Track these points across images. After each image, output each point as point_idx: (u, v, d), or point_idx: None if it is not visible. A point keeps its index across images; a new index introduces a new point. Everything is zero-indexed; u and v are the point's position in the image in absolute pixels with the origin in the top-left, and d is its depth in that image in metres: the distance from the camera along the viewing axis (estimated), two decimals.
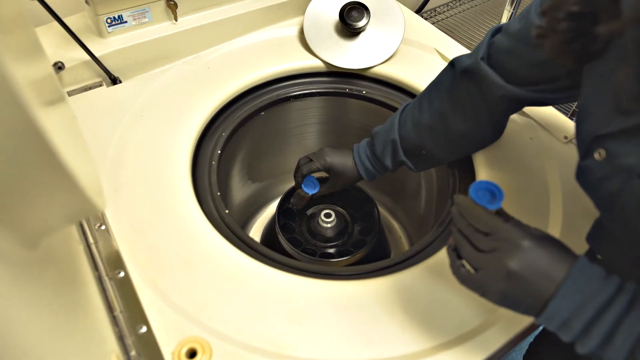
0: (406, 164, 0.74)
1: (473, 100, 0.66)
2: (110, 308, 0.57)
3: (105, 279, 0.60)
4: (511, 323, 0.60)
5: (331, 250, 0.93)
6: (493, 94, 0.63)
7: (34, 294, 0.35)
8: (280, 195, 1.17)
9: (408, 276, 0.64)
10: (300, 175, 0.81)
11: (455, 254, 0.51)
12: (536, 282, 0.44)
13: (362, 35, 0.97)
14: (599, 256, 0.54)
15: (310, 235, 0.94)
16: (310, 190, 0.84)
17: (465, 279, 0.49)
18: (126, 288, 0.60)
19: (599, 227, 0.54)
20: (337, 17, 0.95)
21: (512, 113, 0.69)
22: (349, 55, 0.95)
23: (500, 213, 0.50)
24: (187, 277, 0.63)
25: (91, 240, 0.64)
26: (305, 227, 0.95)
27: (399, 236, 1.12)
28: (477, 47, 0.65)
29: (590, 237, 0.55)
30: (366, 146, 0.78)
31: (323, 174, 0.82)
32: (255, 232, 1.12)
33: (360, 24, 0.94)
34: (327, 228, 0.93)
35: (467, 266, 0.50)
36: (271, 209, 1.17)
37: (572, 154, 0.79)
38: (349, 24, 0.94)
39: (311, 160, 0.80)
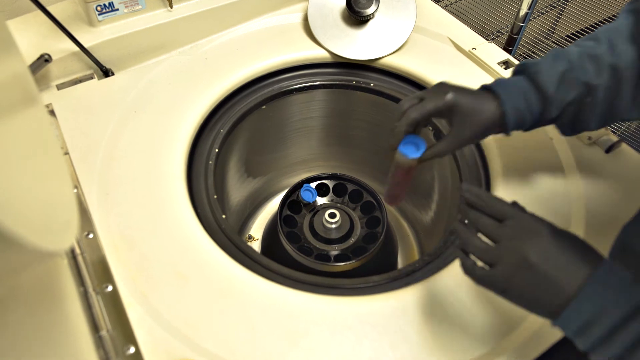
0: (585, 105, 0.55)
1: None
2: (95, 327, 0.54)
3: (92, 294, 0.56)
4: (527, 346, 0.55)
5: (336, 252, 0.88)
6: None
7: None
8: (282, 190, 1.13)
9: (416, 292, 0.60)
10: (404, 124, 0.54)
11: (464, 253, 0.46)
12: (557, 277, 0.40)
13: (370, 23, 0.90)
14: None
15: (314, 237, 0.90)
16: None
17: (481, 278, 0.44)
18: (113, 304, 0.57)
19: (624, 248, 0.49)
20: (343, 4, 0.89)
21: None
22: (356, 44, 0.89)
23: (517, 205, 0.45)
24: (179, 291, 0.59)
25: (78, 251, 0.60)
26: (309, 228, 0.90)
27: (407, 234, 1.08)
28: None
29: (613, 255, 0.50)
30: (522, 80, 0.55)
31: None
32: (257, 228, 1.07)
33: (369, 11, 0.87)
34: (332, 229, 0.89)
35: (480, 263, 0.45)
36: (273, 204, 1.12)
37: (596, 156, 0.73)
38: (356, 11, 0.87)
39: (422, 99, 0.55)
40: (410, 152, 0.55)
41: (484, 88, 0.57)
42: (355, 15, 0.88)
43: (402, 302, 0.59)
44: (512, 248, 0.42)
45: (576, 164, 0.72)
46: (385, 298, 0.59)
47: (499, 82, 0.56)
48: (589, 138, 0.74)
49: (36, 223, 0.25)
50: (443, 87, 0.55)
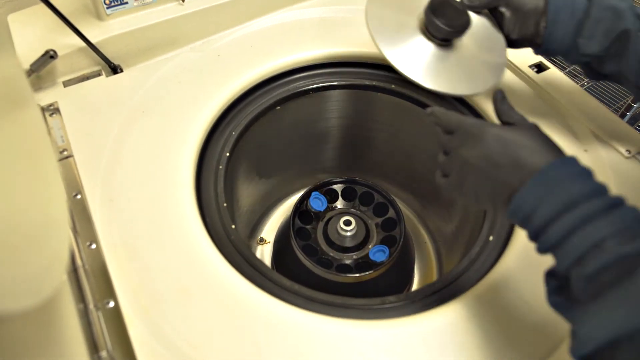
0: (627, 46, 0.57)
1: None
2: (95, 347, 0.51)
3: (93, 310, 0.53)
4: None
5: (349, 262, 0.84)
6: None
7: None
8: (295, 192, 1.09)
9: (435, 316, 0.56)
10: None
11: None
12: (498, 175, 0.43)
13: (454, 47, 0.68)
14: None
15: (328, 244, 0.86)
16: (318, 207, 0.75)
17: (443, 187, 0.49)
18: (114, 321, 0.54)
19: None
20: (421, 8, 0.67)
21: None
22: (431, 69, 0.67)
23: (502, 109, 0.48)
24: (183, 308, 0.55)
25: (79, 263, 0.57)
26: (323, 235, 0.87)
27: (425, 241, 1.03)
28: None
29: None
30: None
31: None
32: (269, 231, 1.04)
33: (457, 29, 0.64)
34: (347, 237, 0.85)
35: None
36: (285, 206, 1.09)
37: (636, 171, 0.67)
38: (440, 27, 0.64)
39: None
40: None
41: None
42: (437, 32, 0.65)
43: (420, 328, 0.55)
44: (456, 156, 0.46)
45: (613, 178, 0.66)
46: (402, 323, 0.55)
47: None
48: (628, 151, 0.68)
49: (2, 278, 0.21)
50: None
